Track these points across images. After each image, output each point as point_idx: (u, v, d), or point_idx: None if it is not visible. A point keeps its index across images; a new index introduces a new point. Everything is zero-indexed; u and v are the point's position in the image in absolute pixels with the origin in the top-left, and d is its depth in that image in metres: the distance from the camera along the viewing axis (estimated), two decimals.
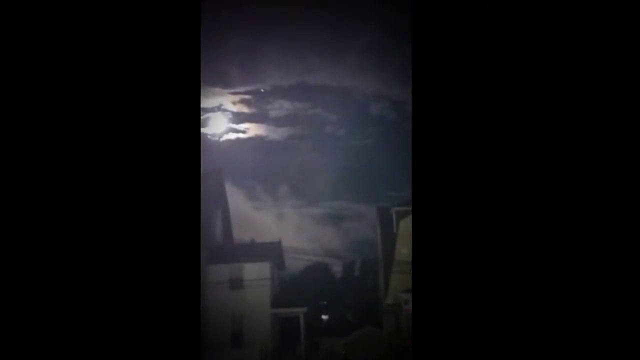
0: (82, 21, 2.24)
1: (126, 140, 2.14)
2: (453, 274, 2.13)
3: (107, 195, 2.12)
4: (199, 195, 2.22)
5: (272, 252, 12.93)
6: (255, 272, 12.12)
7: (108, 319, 2.09)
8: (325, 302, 16.66)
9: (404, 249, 10.86)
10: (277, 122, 22.40)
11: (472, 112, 2.15)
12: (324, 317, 16.65)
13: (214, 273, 11.84)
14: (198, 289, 2.27)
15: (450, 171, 2.14)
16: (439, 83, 2.21)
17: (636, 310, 2.04)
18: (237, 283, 12.24)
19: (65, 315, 2.08)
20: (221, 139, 15.83)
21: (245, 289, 12.05)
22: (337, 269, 17.76)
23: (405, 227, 10.97)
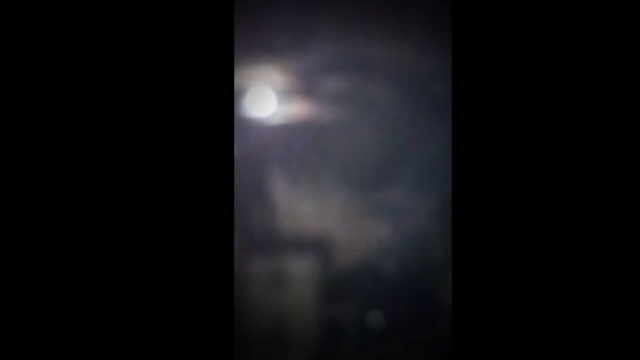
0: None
1: (155, 126, 2.58)
2: (494, 275, 2.53)
3: (137, 186, 2.57)
4: (232, 185, 2.74)
5: (319, 245, 12.26)
6: (300, 266, 11.47)
7: (136, 315, 2.54)
8: (376, 302, 15.96)
9: None
10: (329, 101, 21.37)
11: (516, 112, 2.54)
12: (375, 317, 15.97)
13: (258, 267, 11.26)
14: (232, 284, 2.71)
15: (491, 170, 2.59)
16: (480, 79, 2.58)
17: None
18: (280, 278, 11.63)
19: (90, 310, 2.57)
20: (268, 121, 15.17)
21: (289, 285, 11.44)
22: (390, 266, 16.92)
23: None
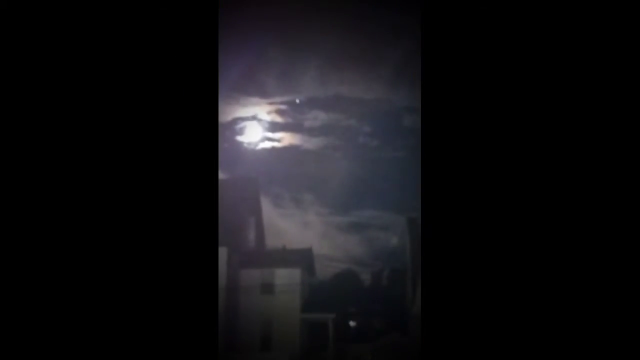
0: (98, 24, 2.22)
1: (144, 148, 2.12)
2: (461, 281, 2.12)
3: (128, 202, 2.12)
4: (216, 203, 2.20)
5: (302, 258, 13.18)
6: (286, 277, 12.34)
7: (125, 322, 2.07)
8: (353, 309, 16.88)
9: None
10: (311, 132, 22.74)
11: (482, 121, 2.15)
12: (352, 323, 16.84)
13: (246, 277, 12.09)
14: (216, 294, 2.23)
15: (459, 178, 2.14)
16: (449, 91, 2.19)
17: None
18: (268, 288, 12.49)
19: (79, 317, 2.08)
20: (257, 147, 16.23)
21: (275, 294, 12.30)
22: (365, 277, 17.93)
23: None
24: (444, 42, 2.21)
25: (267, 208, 12.77)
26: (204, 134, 2.15)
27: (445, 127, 2.17)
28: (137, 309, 2.04)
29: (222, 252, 11.25)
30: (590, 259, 2.05)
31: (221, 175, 9.94)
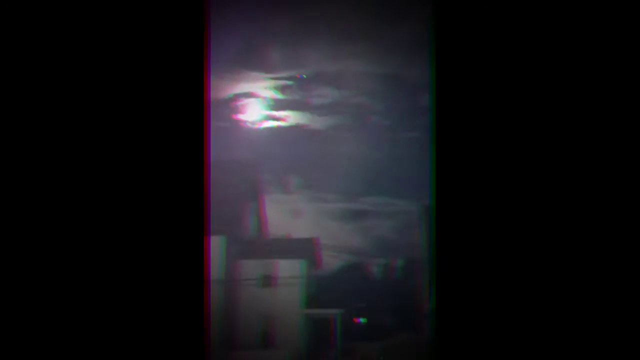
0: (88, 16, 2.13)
1: (130, 133, 2.07)
2: (477, 275, 2.09)
3: (116, 191, 2.04)
4: (202, 187, 2.14)
5: (306, 249, 11.89)
6: (289, 269, 11.08)
7: (112, 318, 2.00)
8: (361, 305, 15.64)
9: None
10: (319, 110, 21.21)
11: (497, 104, 2.11)
12: (360, 320, 15.63)
13: (246, 269, 10.85)
14: (203, 287, 2.16)
15: (472, 170, 2.12)
16: (462, 71, 2.14)
17: None
18: (268, 280, 11.20)
19: (67, 314, 1.97)
20: (259, 127, 14.99)
21: (277, 287, 11.02)
22: (374, 269, 16.60)
23: None
24: (457, 20, 2.16)
25: (269, 193, 11.49)
26: (190, 112, 2.08)
27: (460, 109, 2.13)
28: (123, 302, 2.01)
29: (220, 241, 10.02)
30: (606, 254, 2.04)
31: (219, 158, 8.75)
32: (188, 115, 2.08)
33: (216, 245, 10.47)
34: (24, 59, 2.10)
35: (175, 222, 2.02)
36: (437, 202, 2.13)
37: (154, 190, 2.06)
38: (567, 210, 2.05)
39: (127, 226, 2.01)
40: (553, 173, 2.08)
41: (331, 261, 13.48)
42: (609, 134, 2.09)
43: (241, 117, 11.48)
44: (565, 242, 2.05)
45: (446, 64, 2.16)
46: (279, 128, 16.74)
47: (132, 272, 2.01)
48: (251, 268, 11.38)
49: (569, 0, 2.16)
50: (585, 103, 2.12)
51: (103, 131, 2.07)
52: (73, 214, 2.01)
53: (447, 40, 2.16)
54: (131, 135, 2.07)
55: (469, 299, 2.05)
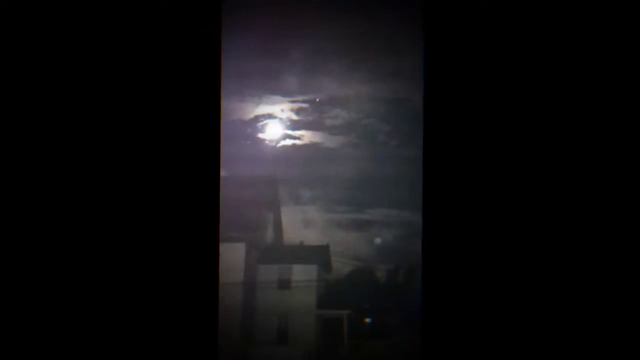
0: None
1: (146, 145, 2.08)
2: (463, 279, 2.07)
3: (131, 199, 2.07)
4: (218, 200, 2.18)
5: (319, 255, 12.87)
6: (303, 273, 12.09)
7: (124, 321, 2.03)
8: (368, 306, 16.54)
9: None
10: (332, 130, 22.13)
11: (487, 123, 2.10)
12: (367, 320, 16.50)
13: (264, 273, 11.89)
14: (216, 292, 2.21)
15: (462, 179, 2.10)
16: (453, 93, 2.16)
17: None
18: (285, 283, 12.25)
19: (81, 317, 2.03)
20: (278, 145, 15.78)
21: (292, 290, 12.04)
22: (380, 274, 17.52)
23: None
24: (447, 50, 2.17)
25: (285, 205, 12.52)
26: (207, 129, 2.16)
27: (449, 129, 2.14)
28: (137, 306, 2.02)
29: (241, 248, 11.05)
30: (596, 260, 2.02)
31: (241, 173, 9.69)
32: (205, 134, 2.14)
33: (237, 252, 11.55)
34: (36, 74, 2.08)
35: (191, 228, 2.09)
36: (425, 215, 2.15)
37: (171, 200, 2.08)
38: (559, 227, 2.02)
39: (147, 235, 2.05)
40: (543, 192, 2.05)
41: (341, 266, 14.34)
42: (603, 154, 2.02)
43: (262, 135, 12.23)
44: (556, 256, 2.02)
45: (437, 93, 2.17)
46: (295, 146, 17.51)
47: (152, 278, 2.02)
48: (269, 272, 12.44)
49: (563, 33, 2.12)
50: (576, 127, 2.04)
51: (125, 141, 2.06)
52: (95, 223, 2.04)
53: (437, 71, 2.16)
54: (152, 149, 2.08)
55: (457, 307, 2.04)
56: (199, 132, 2.14)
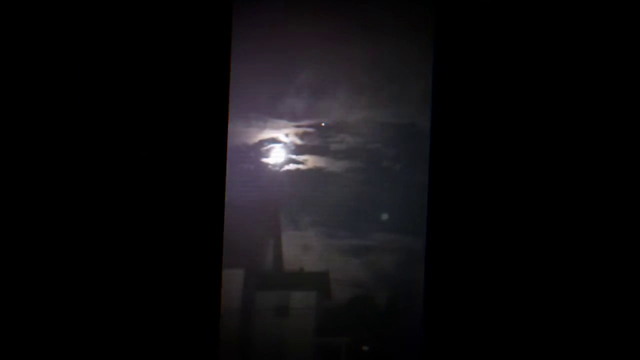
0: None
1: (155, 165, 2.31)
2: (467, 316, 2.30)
3: (136, 221, 2.28)
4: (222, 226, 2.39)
5: (319, 281, 12.72)
6: (301, 300, 11.93)
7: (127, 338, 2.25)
8: (367, 333, 16.30)
9: None
10: (337, 155, 22.00)
11: (495, 148, 2.30)
12: (365, 347, 16.27)
13: (262, 299, 11.74)
14: (218, 317, 2.47)
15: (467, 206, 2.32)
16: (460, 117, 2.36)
17: None
18: (283, 310, 12.09)
19: (81, 330, 2.27)
20: (281, 170, 15.71)
21: (290, 317, 11.89)
22: (380, 301, 17.27)
23: None
24: (456, 75, 2.46)
25: (286, 230, 12.38)
26: (213, 154, 2.52)
27: (457, 154, 2.44)
28: (140, 321, 2.31)
29: (239, 274, 10.91)
30: (604, 270, 2.22)
31: (243, 197, 9.61)
32: (210, 158, 2.29)
33: (235, 278, 11.39)
34: (40, 83, 2.18)
35: (193, 254, 2.19)
36: (429, 242, 2.26)
37: (176, 219, 2.16)
38: (569, 259, 2.16)
39: (151, 256, 2.14)
40: (557, 224, 2.18)
41: (341, 293, 14.10)
42: (603, 168, 2.15)
43: (265, 160, 12.14)
44: (559, 279, 2.17)
45: (444, 115, 2.40)
46: (298, 170, 17.36)
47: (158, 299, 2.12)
48: (267, 298, 12.31)
49: (567, 46, 2.25)
50: (577, 140, 2.17)
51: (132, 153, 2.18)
52: (104, 240, 2.14)
53: (445, 97, 2.39)
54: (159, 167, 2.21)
55: (459, 337, 2.19)
56: (205, 156, 2.27)
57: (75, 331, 2.11)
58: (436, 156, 2.18)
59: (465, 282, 2.15)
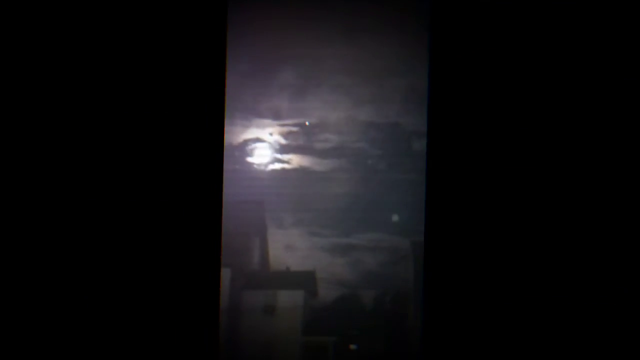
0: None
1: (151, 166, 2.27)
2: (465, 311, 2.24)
3: (132, 221, 2.23)
4: (220, 224, 2.36)
5: (305, 280, 12.73)
6: (288, 299, 11.93)
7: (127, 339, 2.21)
8: (354, 332, 16.32)
9: None
10: (321, 154, 21.93)
11: (491, 145, 2.23)
12: (353, 346, 16.30)
13: (250, 299, 11.72)
14: (217, 316, 2.12)
15: (465, 203, 2.26)
16: (455, 115, 2.30)
17: None
18: (270, 309, 12.09)
19: (79, 332, 2.23)
20: (266, 169, 15.59)
21: (278, 316, 11.89)
22: (367, 300, 17.32)
23: None
24: (452, 72, 2.37)
25: (272, 229, 12.35)
26: (210, 154, 2.46)
27: (452, 150, 2.35)
28: (138, 324, 2.26)
29: (226, 273, 10.88)
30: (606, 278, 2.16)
31: (229, 197, 9.56)
32: (206, 157, 2.22)
33: (222, 277, 11.40)
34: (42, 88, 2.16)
35: (191, 252, 2.13)
36: (427, 241, 2.20)
37: (173, 223, 2.12)
38: (558, 250, 2.12)
39: (147, 256, 2.09)
40: (556, 231, 2.14)
41: (328, 292, 14.11)
42: (601, 174, 2.10)
43: (250, 159, 12.04)
44: (557, 279, 2.12)
45: (440, 112, 2.32)
46: (283, 170, 17.27)
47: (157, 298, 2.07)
48: (254, 298, 12.30)
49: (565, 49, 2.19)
50: (578, 144, 2.12)
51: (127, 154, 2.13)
52: (96, 234, 2.11)
53: (442, 90, 2.32)
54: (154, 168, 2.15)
55: (458, 331, 2.14)
56: (203, 155, 2.24)
57: (75, 331, 2.05)
58: (433, 156, 2.16)
59: (465, 282, 2.12)
